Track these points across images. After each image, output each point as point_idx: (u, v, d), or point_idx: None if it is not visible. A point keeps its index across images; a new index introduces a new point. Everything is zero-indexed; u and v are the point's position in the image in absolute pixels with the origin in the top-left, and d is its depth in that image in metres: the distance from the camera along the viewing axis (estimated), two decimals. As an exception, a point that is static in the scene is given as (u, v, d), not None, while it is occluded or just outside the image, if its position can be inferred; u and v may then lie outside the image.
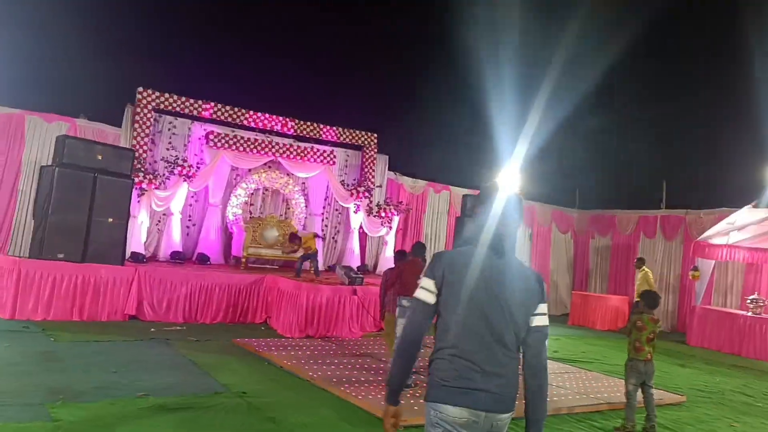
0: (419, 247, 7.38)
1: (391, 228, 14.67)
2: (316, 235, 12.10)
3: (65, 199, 9.28)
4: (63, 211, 9.26)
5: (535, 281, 2.54)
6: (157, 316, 9.84)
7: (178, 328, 9.46)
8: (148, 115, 12.48)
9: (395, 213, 14.71)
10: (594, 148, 17.32)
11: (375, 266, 14.59)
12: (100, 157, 9.67)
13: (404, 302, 6.73)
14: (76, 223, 9.37)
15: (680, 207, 16.20)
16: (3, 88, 11.33)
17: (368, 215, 14.58)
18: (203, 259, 12.39)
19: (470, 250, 2.50)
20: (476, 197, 3.03)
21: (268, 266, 13.48)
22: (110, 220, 9.69)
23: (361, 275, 10.52)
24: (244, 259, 12.42)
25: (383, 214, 14.57)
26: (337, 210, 15.05)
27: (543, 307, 2.52)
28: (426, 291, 2.49)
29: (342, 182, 14.77)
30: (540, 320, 2.50)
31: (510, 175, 13.10)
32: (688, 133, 16.75)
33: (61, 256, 9.24)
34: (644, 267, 13.29)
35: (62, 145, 9.34)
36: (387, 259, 14.57)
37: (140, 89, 12.49)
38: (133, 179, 10.27)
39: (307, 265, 11.59)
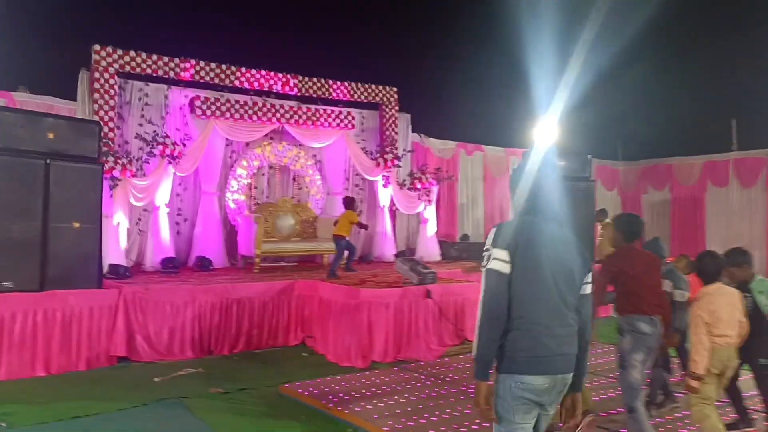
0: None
1: (430, 201, 11.87)
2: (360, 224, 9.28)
3: (4, 200, 6.28)
4: (3, 219, 6.27)
5: (584, 249, 2.69)
6: (157, 353, 6.97)
7: (192, 370, 6.60)
8: (111, 81, 9.38)
9: (434, 182, 11.90)
10: (640, 93, 14.64)
11: (413, 252, 11.80)
12: (51, 136, 6.63)
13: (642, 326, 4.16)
14: (25, 234, 6.39)
15: (758, 147, 13.75)
16: None
17: (400, 188, 11.76)
18: (204, 264, 9.45)
19: (533, 221, 2.59)
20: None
21: (283, 264, 10.62)
22: (76, 224, 6.70)
23: (432, 270, 7.74)
24: (258, 260, 9.52)
25: (419, 186, 11.76)
26: (357, 185, 12.19)
27: (590, 276, 2.67)
28: (501, 262, 2.49)
29: (363, 150, 11.90)
30: (589, 288, 2.66)
31: (548, 128, 10.55)
32: (758, 66, 14.16)
33: (7, 284, 6.26)
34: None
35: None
36: (430, 241, 11.81)
37: (96, 47, 9.35)
38: (102, 164, 7.23)
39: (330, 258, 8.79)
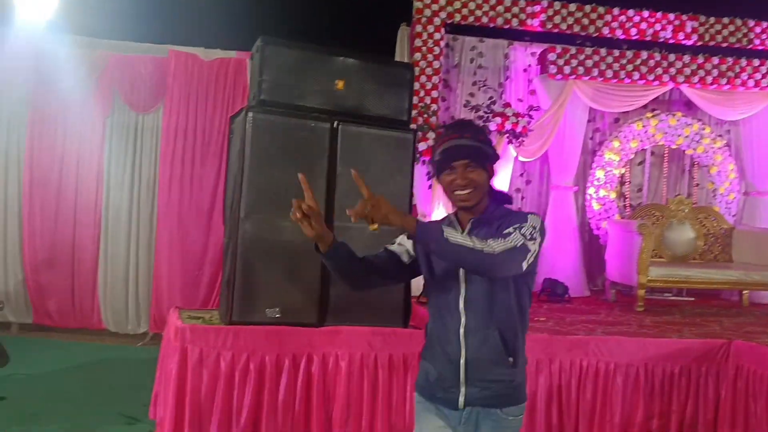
0: None
1: None
2: None
3: (270, 185, 4.04)
4: (269, 214, 4.04)
5: None
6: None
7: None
8: (436, 36, 6.96)
9: None
10: None
11: None
12: (340, 85, 4.25)
13: None
14: (298, 236, 4.05)
15: None
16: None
17: None
18: (555, 290, 6.31)
19: None
20: None
21: (671, 297, 6.90)
22: (373, 227, 4.15)
23: None
24: (641, 291, 5.97)
25: None
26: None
27: None
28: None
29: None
30: None
31: None
32: None
33: (273, 313, 4.02)
34: None
35: (260, 65, 4.13)
36: None
37: (421, -6, 7.03)
38: (414, 131, 4.63)
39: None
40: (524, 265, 2.01)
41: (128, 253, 6.86)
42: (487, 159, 2.22)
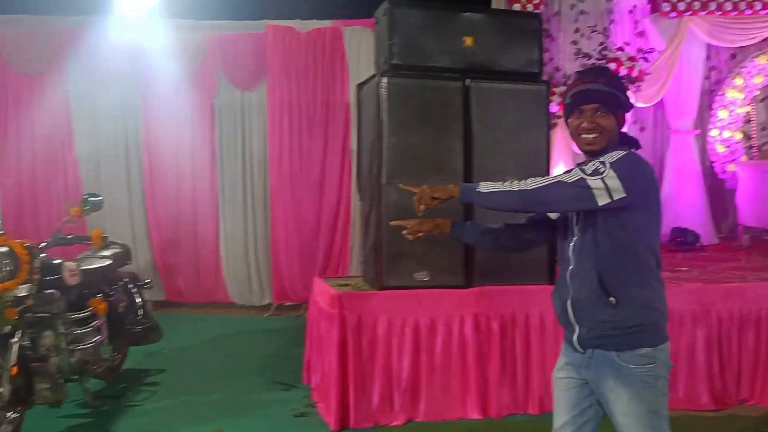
0: None
1: None
2: None
3: (407, 148, 4.00)
4: (405, 175, 4.00)
5: None
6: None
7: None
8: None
9: None
10: None
11: None
12: (469, 42, 4.13)
13: None
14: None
15: None
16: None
17: None
18: (687, 239, 6.06)
19: None
20: None
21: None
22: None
23: None
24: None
25: None
26: None
27: None
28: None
29: None
30: None
31: None
32: None
33: (421, 276, 4.03)
34: None
35: (388, 29, 4.05)
36: None
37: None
38: (547, 83, 4.46)
39: None
40: (598, 201, 2.02)
41: (246, 228, 7.05)
42: (619, 106, 2.19)
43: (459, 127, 4.05)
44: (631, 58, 6.22)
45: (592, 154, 2.17)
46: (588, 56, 6.43)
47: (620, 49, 6.37)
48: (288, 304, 6.99)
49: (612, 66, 6.19)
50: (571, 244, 2.21)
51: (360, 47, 6.83)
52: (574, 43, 7.07)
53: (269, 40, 6.86)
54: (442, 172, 3.90)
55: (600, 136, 2.14)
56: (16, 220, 6.73)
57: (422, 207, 2.25)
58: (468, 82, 4.05)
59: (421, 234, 2.39)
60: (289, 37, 6.89)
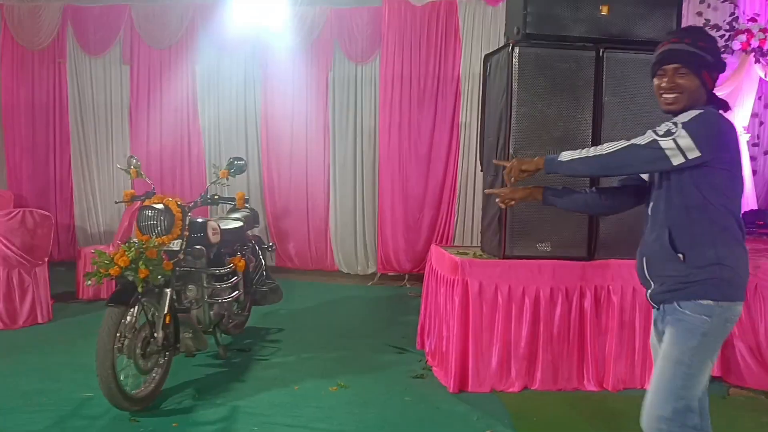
0: None
1: None
2: None
3: (538, 118, 4.00)
4: (533, 146, 4.01)
5: None
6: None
7: None
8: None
9: None
10: None
11: None
12: (605, 10, 4.05)
13: None
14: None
15: None
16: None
17: None
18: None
19: None
20: None
21: None
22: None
23: None
24: None
25: None
26: None
27: None
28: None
29: None
30: None
31: None
32: None
33: (544, 247, 4.05)
34: None
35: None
36: None
37: None
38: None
39: None
40: (672, 161, 2.03)
41: (354, 199, 7.26)
42: (704, 66, 2.12)
43: (590, 99, 3.99)
44: (764, 29, 5.86)
45: (672, 114, 2.16)
46: (717, 27, 6.11)
47: (752, 19, 6.01)
48: (391, 273, 7.16)
49: (743, 38, 5.87)
50: (651, 202, 2.25)
51: (474, 21, 6.81)
52: (699, 14, 6.73)
53: (385, 13, 6.96)
54: (569, 143, 3.86)
55: (680, 96, 2.13)
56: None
57: (512, 179, 2.38)
58: (602, 52, 3.98)
59: (512, 202, 2.48)
60: (404, 10, 6.96)
